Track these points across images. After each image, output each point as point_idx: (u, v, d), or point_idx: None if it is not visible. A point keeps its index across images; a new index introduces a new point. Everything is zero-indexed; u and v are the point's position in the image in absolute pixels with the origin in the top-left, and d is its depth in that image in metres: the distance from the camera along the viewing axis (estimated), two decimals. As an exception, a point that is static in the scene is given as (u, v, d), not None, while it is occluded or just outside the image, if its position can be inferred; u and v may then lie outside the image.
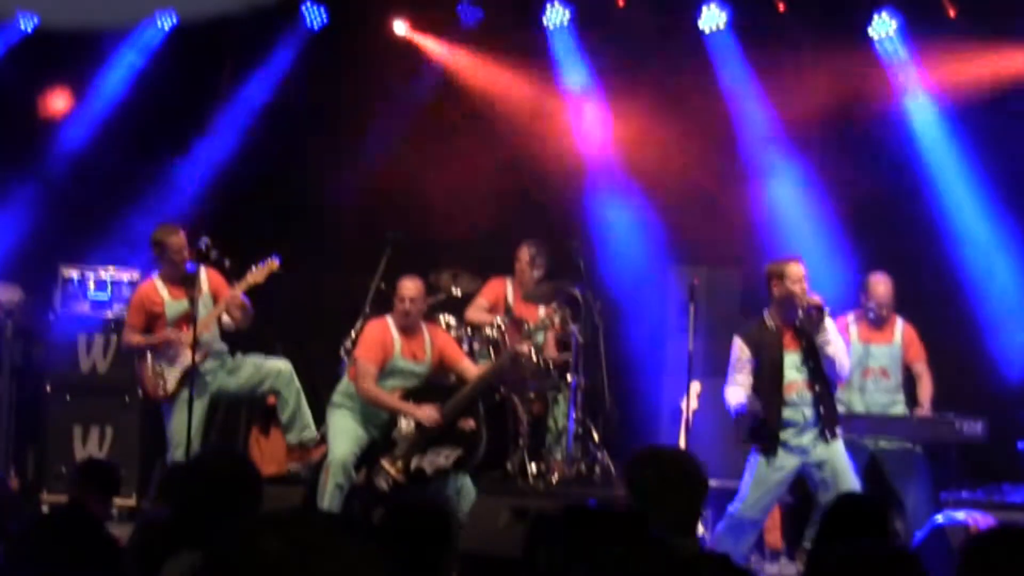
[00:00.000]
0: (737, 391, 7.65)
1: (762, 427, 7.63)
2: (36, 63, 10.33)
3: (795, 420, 7.61)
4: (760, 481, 7.62)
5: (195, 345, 8.31)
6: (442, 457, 8.36)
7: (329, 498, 8.20)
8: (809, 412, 7.62)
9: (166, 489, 3.99)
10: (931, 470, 8.54)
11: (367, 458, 8.46)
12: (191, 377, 8.39)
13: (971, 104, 9.78)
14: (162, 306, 8.66)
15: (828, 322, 7.59)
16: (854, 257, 9.51)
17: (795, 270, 7.60)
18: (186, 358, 8.41)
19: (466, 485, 8.42)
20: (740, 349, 7.68)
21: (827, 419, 7.63)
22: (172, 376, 8.59)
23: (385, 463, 8.39)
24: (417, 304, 8.52)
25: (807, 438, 7.62)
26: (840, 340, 7.68)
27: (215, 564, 2.20)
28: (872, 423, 8.49)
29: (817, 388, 7.62)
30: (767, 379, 7.63)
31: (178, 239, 8.54)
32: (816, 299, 7.55)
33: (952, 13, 9.70)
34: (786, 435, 7.61)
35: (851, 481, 7.56)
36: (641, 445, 9.39)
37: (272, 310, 9.30)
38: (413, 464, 8.37)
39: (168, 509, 3.84)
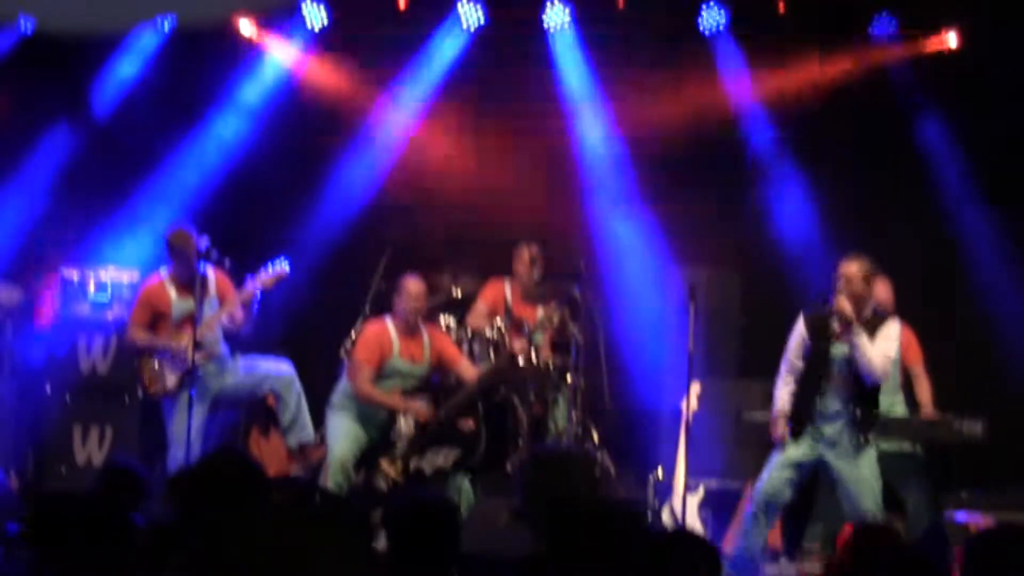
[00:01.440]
0: (785, 393, 7.69)
1: (795, 412, 7.66)
2: (34, 66, 10.32)
3: (828, 411, 7.64)
4: (782, 461, 7.66)
5: (196, 346, 8.32)
6: (441, 457, 8.36)
7: (328, 498, 8.21)
8: (840, 406, 7.63)
9: (170, 490, 3.99)
10: (931, 471, 8.54)
11: (366, 458, 8.46)
12: (191, 378, 8.40)
13: (969, 103, 9.81)
14: (169, 305, 8.68)
15: (887, 329, 7.57)
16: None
17: (844, 269, 7.60)
18: (187, 358, 8.43)
19: (464, 487, 8.42)
20: (801, 330, 7.72)
21: (861, 421, 7.64)
22: (172, 375, 8.60)
23: (384, 463, 8.39)
24: (420, 304, 8.53)
25: (832, 429, 7.63)
26: (876, 348, 7.55)
27: (214, 561, 2.20)
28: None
29: (856, 387, 7.63)
30: (813, 365, 7.66)
31: (192, 248, 8.53)
32: (844, 308, 7.53)
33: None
34: (816, 424, 7.64)
35: (867, 490, 7.55)
36: (639, 445, 9.54)
37: (272, 310, 9.29)
38: (412, 465, 8.37)
39: (171, 510, 3.84)
